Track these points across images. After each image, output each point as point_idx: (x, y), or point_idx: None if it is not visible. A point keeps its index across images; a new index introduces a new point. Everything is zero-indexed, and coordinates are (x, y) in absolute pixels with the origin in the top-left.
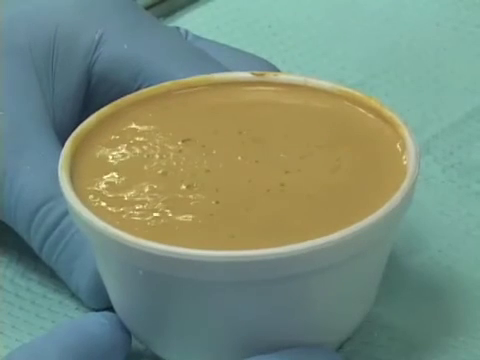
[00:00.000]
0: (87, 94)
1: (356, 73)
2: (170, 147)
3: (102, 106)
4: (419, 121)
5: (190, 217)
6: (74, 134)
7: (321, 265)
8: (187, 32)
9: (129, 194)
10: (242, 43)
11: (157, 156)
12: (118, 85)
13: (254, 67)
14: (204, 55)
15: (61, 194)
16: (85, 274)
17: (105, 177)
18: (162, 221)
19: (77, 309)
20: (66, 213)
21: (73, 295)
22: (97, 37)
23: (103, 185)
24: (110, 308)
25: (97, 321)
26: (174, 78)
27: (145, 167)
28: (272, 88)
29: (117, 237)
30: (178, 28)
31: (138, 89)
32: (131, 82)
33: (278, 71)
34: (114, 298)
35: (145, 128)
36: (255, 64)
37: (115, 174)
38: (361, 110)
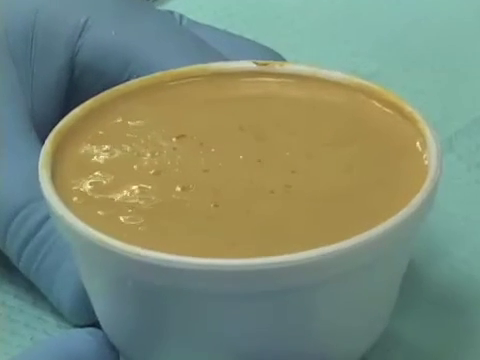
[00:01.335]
0: (70, 85)
1: (370, 61)
2: (163, 144)
3: (87, 99)
4: (440, 115)
5: (186, 222)
6: (56, 129)
7: (331, 275)
8: (181, 17)
9: (118, 196)
10: (242, 28)
11: (149, 154)
12: (105, 76)
13: (256, 56)
14: (201, 43)
15: (42, 196)
16: (68, 286)
17: (91, 177)
18: (154, 226)
19: (58, 326)
20: (47, 217)
21: (54, 310)
22: (82, 22)
23: (89, 186)
24: (95, 324)
25: (81, 338)
26: (167, 68)
27: (135, 166)
28: (277, 80)
29: (104, 243)
30: (172, 12)
31: (128, 80)
32: (120, 73)
33: (283, 60)
34: (100, 313)
35: (135, 123)
36: (257, 52)
37: (102, 174)
38: (377, 104)
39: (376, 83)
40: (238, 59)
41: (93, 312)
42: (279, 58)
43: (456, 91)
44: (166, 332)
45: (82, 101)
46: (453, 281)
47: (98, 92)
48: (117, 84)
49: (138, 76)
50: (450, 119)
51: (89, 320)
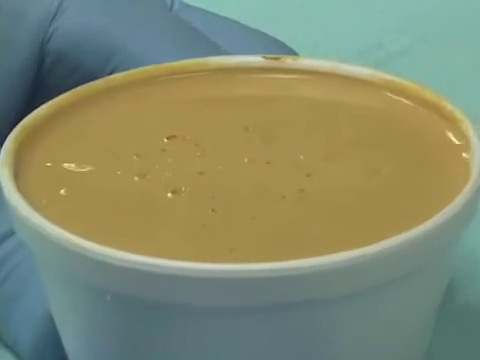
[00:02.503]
0: (39, 78)
1: (400, 36)
2: (151, 145)
3: (60, 93)
4: None
5: (176, 227)
6: (22, 124)
7: (349, 289)
8: (173, 0)
9: (94, 199)
10: (243, 14)
11: (133, 156)
12: (83, 68)
13: (261, 49)
14: (199, 35)
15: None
16: (30, 320)
17: (63, 180)
18: (138, 231)
19: None
20: (7, 235)
21: (7, 347)
22: (56, 4)
23: (61, 189)
24: None
25: None
26: (157, 62)
27: (116, 168)
28: (290, 76)
29: (78, 247)
30: None
31: (110, 75)
32: (101, 66)
33: (295, 54)
34: (71, 348)
35: (118, 121)
36: (262, 44)
37: (77, 176)
38: (409, 103)
39: (409, 79)
40: (239, 53)
41: (60, 353)
42: (290, 52)
43: None
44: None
45: (53, 96)
46: None
47: (72, 87)
48: (97, 79)
49: (124, 70)
50: None
51: None
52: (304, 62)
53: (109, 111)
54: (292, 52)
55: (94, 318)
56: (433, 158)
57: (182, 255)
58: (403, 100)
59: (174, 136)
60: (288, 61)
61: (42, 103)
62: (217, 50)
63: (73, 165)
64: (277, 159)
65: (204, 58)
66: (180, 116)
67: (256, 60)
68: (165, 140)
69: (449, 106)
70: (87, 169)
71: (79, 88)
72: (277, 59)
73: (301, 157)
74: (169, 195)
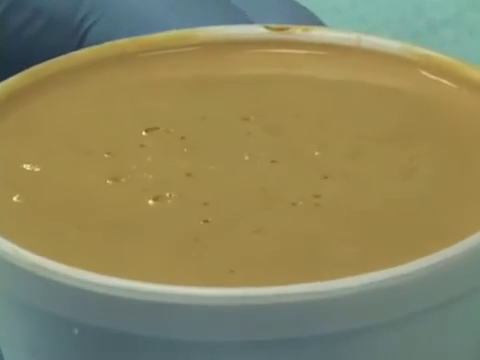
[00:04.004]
0: None
1: (444, 1)
2: (127, 140)
3: (15, 48)
4: None
5: (159, 243)
6: None
7: (382, 318)
8: None
9: (57, 210)
10: None
11: (105, 155)
12: (46, 12)
13: (284, 16)
14: None
15: None
16: None
17: (18, 183)
18: (115, 248)
19: None
20: None
21: None
22: None
23: (15, 197)
24: None
25: None
26: (164, 28)
27: (84, 171)
28: (300, 51)
29: (39, 268)
30: None
31: (82, 33)
32: (68, 11)
33: (321, 24)
34: None
35: (83, 110)
36: (286, 11)
37: (34, 181)
38: (451, 85)
39: (451, 55)
40: (263, 21)
41: None
42: (315, 21)
43: None
44: None
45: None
46: None
47: (32, 38)
48: (67, 35)
49: (98, 21)
50: None
51: None
52: (318, 33)
53: (72, 97)
54: (317, 22)
55: (57, 358)
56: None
57: (168, 278)
58: (443, 80)
59: (155, 128)
60: (298, 32)
61: None
62: (237, 14)
63: (28, 165)
64: (285, 156)
65: (192, 29)
66: (161, 103)
67: (256, 31)
68: (143, 133)
69: None
70: (45, 170)
71: (34, 68)
72: (283, 30)
73: (316, 154)
74: (150, 202)
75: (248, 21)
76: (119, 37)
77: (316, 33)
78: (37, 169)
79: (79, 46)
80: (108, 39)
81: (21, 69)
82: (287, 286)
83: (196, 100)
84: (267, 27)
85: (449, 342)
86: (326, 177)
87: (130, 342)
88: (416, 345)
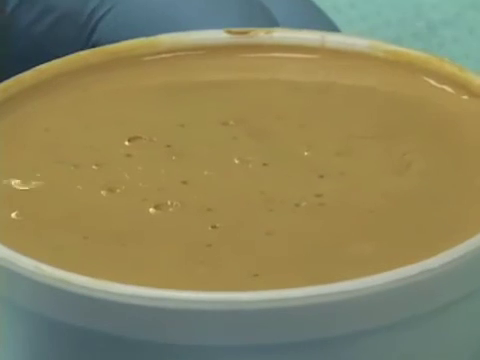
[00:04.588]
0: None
1: (445, 3)
2: (111, 150)
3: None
4: None
5: (173, 251)
6: None
7: (399, 316)
8: None
9: (58, 222)
10: None
11: (94, 166)
12: (58, 9)
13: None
14: None
15: None
16: None
17: (14, 199)
18: (126, 257)
19: None
20: None
21: None
22: None
23: (14, 214)
24: None
25: None
26: (162, 13)
27: (76, 184)
28: (266, 55)
29: (51, 278)
30: None
31: (92, 25)
32: (78, 8)
33: (336, 30)
34: None
35: (60, 121)
36: (310, 17)
37: (28, 197)
38: (430, 81)
39: (422, 50)
40: (291, 25)
41: None
42: (331, 26)
43: None
44: None
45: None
46: None
47: (43, 35)
48: (78, 28)
49: (108, 14)
50: None
51: None
52: (280, 35)
53: (45, 110)
54: (332, 26)
55: None
56: (470, 151)
57: (186, 285)
58: (421, 76)
59: (137, 137)
60: (260, 35)
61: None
62: (268, 19)
63: (18, 181)
64: (275, 159)
65: (154, 37)
66: (137, 111)
67: (220, 36)
68: (126, 143)
69: (478, 81)
70: (37, 185)
71: (2, 84)
72: (245, 33)
73: (306, 154)
74: (152, 211)
75: (268, 12)
76: (130, 28)
77: (279, 35)
78: (28, 184)
79: (89, 38)
80: (118, 30)
81: (33, 65)
82: (313, 287)
83: (171, 107)
84: (229, 31)
85: (453, 342)
86: (322, 176)
87: (154, 350)
88: (420, 346)
